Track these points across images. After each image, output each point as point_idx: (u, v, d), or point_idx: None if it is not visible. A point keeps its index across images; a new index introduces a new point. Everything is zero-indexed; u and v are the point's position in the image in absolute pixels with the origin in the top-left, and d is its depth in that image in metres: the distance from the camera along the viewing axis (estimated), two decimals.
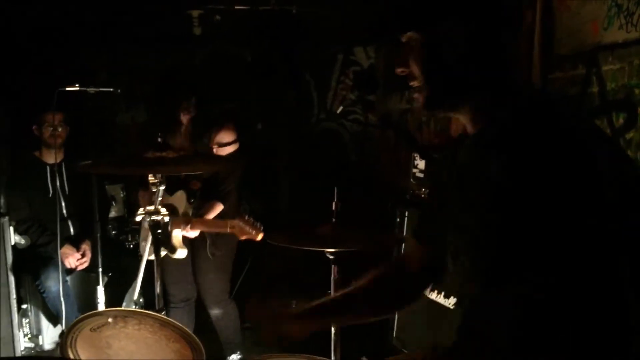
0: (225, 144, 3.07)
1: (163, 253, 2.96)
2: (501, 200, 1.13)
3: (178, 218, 2.95)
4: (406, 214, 3.22)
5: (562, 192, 1.07)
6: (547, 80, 2.91)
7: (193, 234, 2.98)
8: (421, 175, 3.18)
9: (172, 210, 2.95)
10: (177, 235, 2.96)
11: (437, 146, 3.49)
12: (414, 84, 1.26)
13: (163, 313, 2.21)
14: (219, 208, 3.09)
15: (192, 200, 3.09)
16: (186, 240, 3.06)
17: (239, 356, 3.33)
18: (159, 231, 2.28)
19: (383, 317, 1.99)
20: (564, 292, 1.07)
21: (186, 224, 2.93)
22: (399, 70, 1.27)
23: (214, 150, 3.08)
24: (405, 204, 3.25)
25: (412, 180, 3.24)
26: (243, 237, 2.87)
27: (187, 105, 3.04)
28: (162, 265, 3.15)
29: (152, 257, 2.93)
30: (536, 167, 1.09)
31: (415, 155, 3.17)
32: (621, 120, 2.53)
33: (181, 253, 3.00)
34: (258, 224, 2.84)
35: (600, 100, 2.63)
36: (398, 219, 3.27)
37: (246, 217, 2.86)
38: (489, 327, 1.22)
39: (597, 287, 1.07)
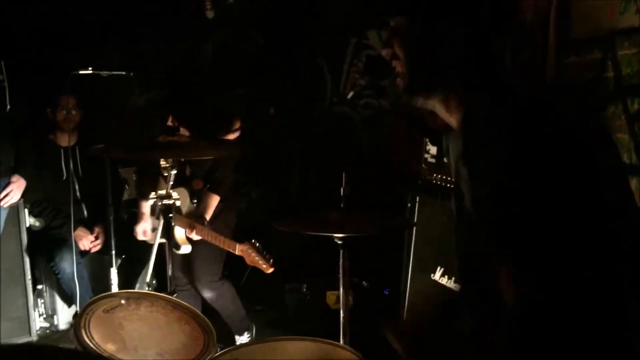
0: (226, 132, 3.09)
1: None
2: (499, 199, 1.13)
3: (182, 219, 2.95)
4: (417, 199, 3.22)
5: (562, 192, 1.07)
6: (563, 65, 2.88)
7: (197, 237, 2.98)
8: (433, 160, 3.17)
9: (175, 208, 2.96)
10: (181, 233, 2.97)
11: (447, 132, 3.47)
12: (396, 65, 1.28)
13: (175, 295, 2.23)
14: (215, 201, 3.09)
15: (195, 201, 3.10)
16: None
17: (248, 336, 3.34)
18: (170, 215, 2.29)
19: None
20: (564, 292, 1.07)
21: (191, 229, 2.93)
22: (383, 51, 1.29)
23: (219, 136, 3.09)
24: (417, 189, 3.25)
25: (423, 165, 3.23)
26: (251, 264, 2.78)
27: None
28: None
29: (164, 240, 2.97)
30: (535, 166, 1.09)
31: (427, 140, 3.15)
32: (636, 106, 2.49)
33: (186, 249, 3.01)
34: (268, 256, 2.73)
35: (615, 85, 2.60)
36: (409, 205, 3.26)
37: (257, 245, 2.76)
38: (489, 326, 1.22)
39: (596, 287, 1.07)
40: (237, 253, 2.80)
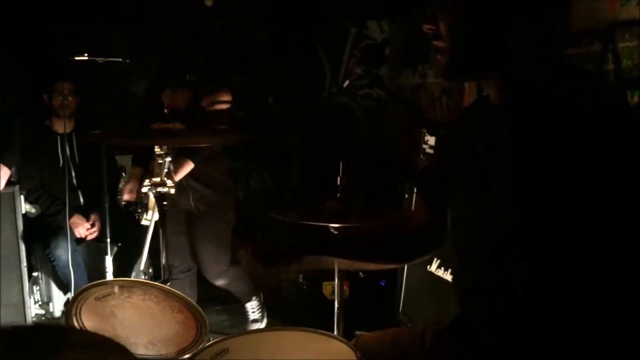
0: (218, 102, 3.06)
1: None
2: (530, 180, 1.08)
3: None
4: (415, 190, 3.20)
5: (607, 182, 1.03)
6: (563, 56, 2.85)
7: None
8: (431, 151, 3.15)
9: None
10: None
11: (449, 123, 3.46)
12: (439, 43, 1.19)
13: (168, 284, 2.22)
14: (188, 166, 3.04)
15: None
16: (182, 212, 3.07)
17: (256, 300, 3.41)
18: (165, 203, 2.28)
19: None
20: (579, 288, 1.04)
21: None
22: (426, 26, 1.19)
23: (206, 108, 3.06)
24: (415, 179, 3.23)
25: (421, 156, 3.21)
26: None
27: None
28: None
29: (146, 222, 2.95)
30: (579, 152, 1.03)
31: (425, 131, 3.14)
32: (636, 99, 2.48)
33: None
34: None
35: (615, 77, 2.58)
36: (407, 195, 3.25)
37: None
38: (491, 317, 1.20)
39: (614, 284, 1.04)
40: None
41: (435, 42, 1.19)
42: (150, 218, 2.86)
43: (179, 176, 3.02)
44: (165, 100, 3.11)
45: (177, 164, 2.99)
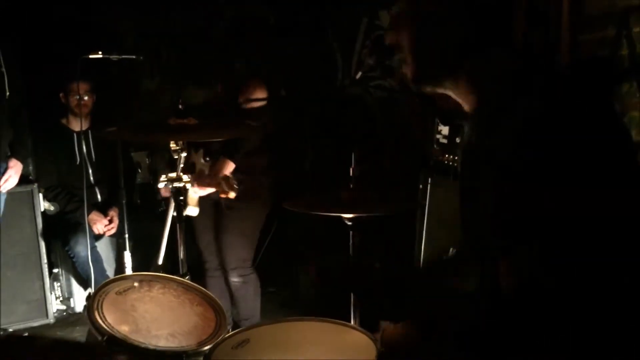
0: (253, 99, 3.01)
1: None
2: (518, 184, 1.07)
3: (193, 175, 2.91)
4: (429, 180, 3.20)
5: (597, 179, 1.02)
6: (576, 42, 2.83)
7: (199, 191, 2.87)
8: (445, 141, 3.14)
9: (191, 168, 2.94)
10: (193, 196, 2.88)
11: (462, 112, 3.44)
12: (401, 56, 1.22)
13: (187, 278, 2.24)
14: (229, 166, 3.00)
15: (208, 159, 3.06)
16: (212, 207, 3.06)
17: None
18: (181, 197, 2.30)
19: None
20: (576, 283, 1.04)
21: (194, 181, 2.82)
22: (387, 39, 1.24)
23: (242, 105, 3.03)
24: (429, 170, 3.23)
25: (435, 146, 3.20)
26: (222, 195, 2.76)
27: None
28: (193, 232, 3.22)
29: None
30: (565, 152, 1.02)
31: (438, 121, 3.13)
32: None
33: (190, 211, 2.86)
34: (233, 182, 2.72)
35: (630, 63, 2.56)
36: (421, 186, 3.25)
37: (231, 176, 2.77)
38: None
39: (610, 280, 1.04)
40: (213, 186, 2.78)
41: (398, 56, 1.23)
42: (190, 213, 2.90)
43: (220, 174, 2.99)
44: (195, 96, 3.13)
45: (217, 164, 3.01)
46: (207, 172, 3.03)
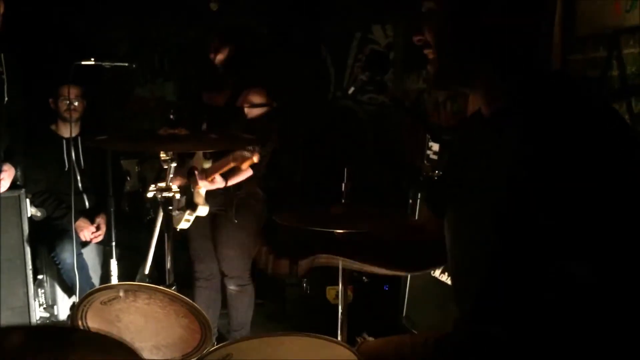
0: (256, 105, 3.02)
1: (190, 218, 2.95)
2: (525, 186, 1.07)
3: (196, 175, 2.90)
4: (419, 195, 3.20)
5: (601, 184, 1.02)
6: (567, 62, 2.86)
7: (209, 185, 2.93)
8: (435, 157, 3.16)
9: (191, 172, 2.94)
10: (201, 192, 2.94)
11: (452, 128, 3.46)
12: (428, 53, 1.22)
13: (173, 288, 2.22)
14: (247, 172, 3.01)
15: (208, 156, 3.05)
16: (209, 216, 3.06)
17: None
18: (170, 207, 2.29)
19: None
20: (584, 290, 1.03)
21: (206, 177, 2.90)
22: (415, 38, 1.23)
23: (245, 110, 3.04)
24: (419, 185, 3.24)
25: (425, 162, 3.21)
26: (245, 165, 2.81)
27: (216, 45, 3.03)
28: (187, 240, 3.21)
29: (185, 223, 2.96)
30: (571, 154, 1.03)
31: (429, 137, 3.14)
32: None
33: (202, 210, 2.94)
34: (254, 148, 2.79)
35: (620, 84, 2.58)
36: (410, 201, 3.25)
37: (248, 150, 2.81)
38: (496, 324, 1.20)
39: (617, 283, 1.03)
40: (232, 163, 2.81)
41: (425, 52, 1.23)
42: (201, 213, 2.92)
43: (232, 182, 3.02)
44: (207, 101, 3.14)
45: (233, 173, 3.00)
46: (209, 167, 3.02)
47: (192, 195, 2.97)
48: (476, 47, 1.17)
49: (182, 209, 2.98)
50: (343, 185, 2.13)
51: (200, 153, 3.04)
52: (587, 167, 1.02)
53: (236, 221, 3.09)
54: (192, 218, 2.96)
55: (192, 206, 2.94)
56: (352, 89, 2.42)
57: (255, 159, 2.78)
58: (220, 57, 3.09)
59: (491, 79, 1.20)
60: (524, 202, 1.07)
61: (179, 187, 2.77)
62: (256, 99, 3.05)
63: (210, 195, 3.01)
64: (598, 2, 2.67)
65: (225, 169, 2.92)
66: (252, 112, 3.03)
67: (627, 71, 2.53)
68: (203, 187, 2.93)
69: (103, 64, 3.23)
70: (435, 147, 3.12)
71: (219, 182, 2.95)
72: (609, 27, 2.61)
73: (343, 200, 2.14)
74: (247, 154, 2.77)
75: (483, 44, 1.16)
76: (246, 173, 3.04)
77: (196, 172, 2.91)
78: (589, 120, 1.06)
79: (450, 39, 1.19)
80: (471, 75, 1.21)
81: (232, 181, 3.01)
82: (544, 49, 1.19)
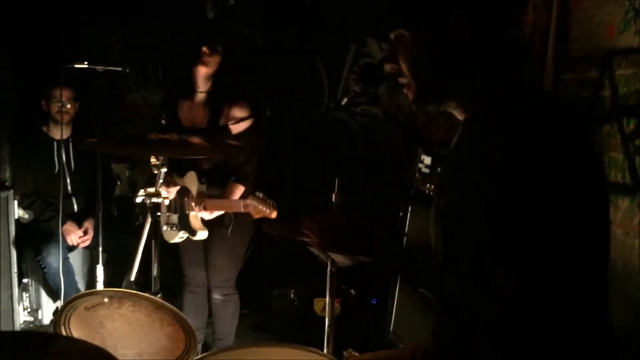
0: (239, 119, 2.99)
1: (184, 236, 2.99)
2: (502, 198, 1.08)
3: (192, 199, 2.94)
4: (409, 208, 3.20)
5: (572, 197, 1.05)
6: (560, 81, 2.87)
7: (208, 215, 2.94)
8: (427, 170, 3.16)
9: (185, 192, 2.94)
10: (196, 216, 2.95)
11: (445, 142, 3.46)
12: (403, 80, 1.26)
13: (159, 296, 2.20)
14: (239, 190, 3.01)
15: (204, 180, 3.04)
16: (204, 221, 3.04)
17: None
18: (159, 213, 2.27)
19: None
20: (550, 299, 1.05)
21: (200, 205, 2.89)
22: (387, 66, 1.27)
23: (229, 126, 3.01)
24: (410, 198, 3.23)
25: (417, 175, 3.21)
26: (258, 216, 2.79)
27: (206, 53, 2.94)
28: (178, 248, 3.18)
29: (179, 239, 2.96)
30: (546, 168, 1.05)
31: (421, 150, 3.14)
32: (632, 126, 2.49)
33: (202, 235, 2.98)
34: (272, 202, 2.78)
35: (611, 104, 2.60)
36: (401, 214, 3.25)
37: (260, 195, 2.79)
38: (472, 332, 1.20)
39: (585, 294, 1.06)
40: (242, 210, 2.79)
41: (399, 79, 1.27)
42: (201, 237, 2.94)
43: (228, 204, 2.97)
44: (181, 113, 3.08)
45: (227, 191, 3.00)
46: (205, 192, 3.01)
47: (187, 217, 2.96)
48: (449, 66, 1.21)
49: (176, 228, 2.97)
50: (334, 195, 2.12)
51: (193, 174, 3.03)
52: (535, 180, 1.05)
53: (228, 233, 3.07)
54: (186, 236, 2.98)
55: (191, 231, 2.97)
56: (345, 100, 2.42)
57: (274, 215, 2.76)
58: (207, 71, 3.00)
59: (466, 93, 1.24)
60: (472, 207, 1.13)
61: (169, 202, 2.77)
62: (240, 113, 3.02)
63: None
64: (592, 23, 2.69)
65: (232, 211, 2.91)
66: (237, 128, 3.01)
67: (619, 92, 2.55)
68: (201, 215, 2.94)
69: (96, 67, 3.22)
70: (427, 160, 3.12)
71: (208, 215, 2.95)
72: (602, 48, 2.63)
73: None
74: (264, 208, 2.75)
75: (455, 63, 1.20)
76: (238, 192, 3.02)
77: (192, 200, 2.91)
78: (553, 138, 1.08)
79: (424, 62, 1.22)
80: (448, 92, 1.25)
81: (228, 201, 2.98)
82: (536, 68, 1.22)
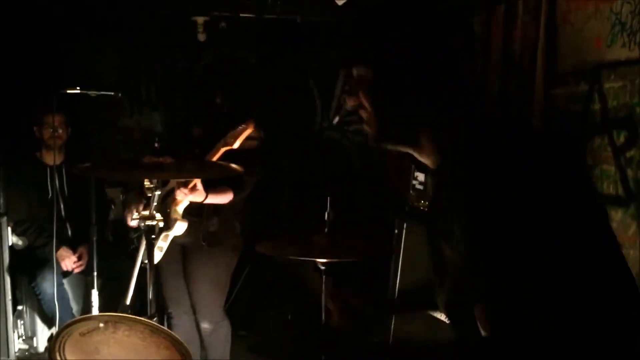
0: (251, 138, 2.89)
1: (162, 243, 2.79)
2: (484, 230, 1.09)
3: (175, 186, 2.77)
4: (404, 226, 3.20)
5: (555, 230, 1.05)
6: (549, 96, 2.90)
7: (197, 196, 2.76)
8: (420, 187, 3.16)
9: (168, 194, 2.83)
10: (178, 209, 2.81)
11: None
12: (363, 114, 1.24)
13: (155, 320, 2.19)
14: (227, 195, 2.92)
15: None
16: (178, 247, 2.97)
17: None
18: (153, 237, 2.27)
19: None
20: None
21: (186, 185, 2.72)
22: (349, 103, 1.26)
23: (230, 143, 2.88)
24: (404, 215, 3.23)
25: (411, 192, 3.22)
26: (242, 139, 2.72)
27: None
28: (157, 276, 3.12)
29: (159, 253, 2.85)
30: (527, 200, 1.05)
31: (414, 167, 3.15)
32: (622, 139, 2.51)
33: (180, 226, 2.79)
34: (245, 123, 2.73)
35: (601, 117, 2.62)
36: (396, 231, 3.24)
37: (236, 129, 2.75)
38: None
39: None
40: (228, 147, 2.74)
41: (360, 112, 1.26)
42: (178, 231, 2.79)
43: (211, 199, 2.86)
44: (196, 135, 3.06)
45: (215, 189, 2.87)
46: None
47: (168, 217, 2.78)
48: (411, 103, 1.20)
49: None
50: (326, 214, 2.12)
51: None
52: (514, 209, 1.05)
53: (205, 245, 2.96)
54: (165, 245, 2.79)
55: (168, 224, 2.74)
56: (336, 119, 2.42)
57: (250, 129, 2.70)
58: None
59: (432, 130, 1.22)
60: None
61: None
62: (246, 133, 3.00)
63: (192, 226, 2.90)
64: (580, 37, 2.72)
65: (216, 156, 2.77)
66: (243, 145, 2.98)
67: (608, 105, 2.57)
68: (182, 198, 2.77)
69: (88, 92, 3.23)
70: (421, 177, 3.13)
71: (199, 192, 2.76)
72: (590, 62, 2.66)
73: (326, 230, 2.13)
74: (239, 129, 2.70)
75: (417, 100, 1.19)
76: (226, 196, 2.93)
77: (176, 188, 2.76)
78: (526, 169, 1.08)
79: (385, 100, 1.22)
80: (412, 130, 1.23)
81: (212, 197, 2.84)
82: (526, 84, 1.23)
